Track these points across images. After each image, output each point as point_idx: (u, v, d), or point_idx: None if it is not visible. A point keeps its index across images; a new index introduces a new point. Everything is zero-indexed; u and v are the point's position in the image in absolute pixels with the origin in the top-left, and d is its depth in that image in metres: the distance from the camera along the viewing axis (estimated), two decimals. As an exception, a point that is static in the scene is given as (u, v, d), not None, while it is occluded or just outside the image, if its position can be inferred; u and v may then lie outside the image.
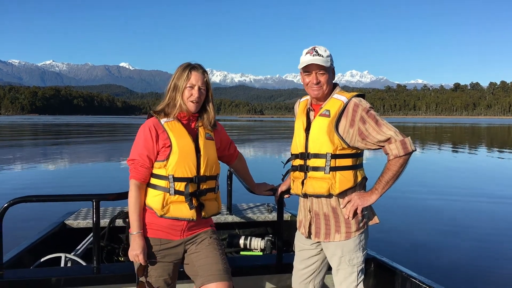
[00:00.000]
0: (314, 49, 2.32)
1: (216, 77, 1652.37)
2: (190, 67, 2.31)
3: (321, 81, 2.32)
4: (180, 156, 2.25)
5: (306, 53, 2.34)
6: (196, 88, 2.29)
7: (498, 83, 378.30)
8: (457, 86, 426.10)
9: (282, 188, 2.74)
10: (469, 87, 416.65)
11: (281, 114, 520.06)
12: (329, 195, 2.30)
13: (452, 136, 41.25)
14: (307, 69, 2.33)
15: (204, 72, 2.33)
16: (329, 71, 2.33)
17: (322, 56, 2.30)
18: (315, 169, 2.31)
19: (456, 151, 24.05)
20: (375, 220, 2.44)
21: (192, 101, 2.30)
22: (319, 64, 2.29)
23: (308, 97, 2.52)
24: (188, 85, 2.28)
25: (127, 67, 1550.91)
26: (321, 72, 2.31)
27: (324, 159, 2.28)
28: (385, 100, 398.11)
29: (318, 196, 2.34)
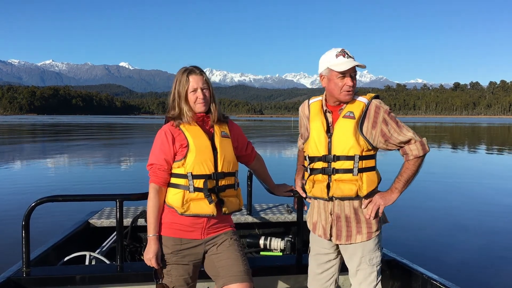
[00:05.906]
0: (344, 51, 2.27)
1: (215, 76, 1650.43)
2: (188, 71, 2.36)
3: (354, 84, 2.29)
4: (197, 154, 2.30)
5: (338, 56, 2.27)
6: (199, 90, 2.34)
7: (498, 82, 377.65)
8: (457, 85, 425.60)
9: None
10: (469, 87, 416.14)
11: (281, 113, 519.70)
12: (357, 197, 2.30)
13: (455, 136, 40.48)
14: (344, 72, 2.25)
15: (201, 72, 2.37)
16: None
17: (354, 59, 2.27)
18: (343, 171, 2.29)
19: (462, 150, 23.38)
20: (385, 220, 2.47)
21: (200, 103, 2.35)
22: (354, 67, 2.25)
23: (319, 98, 2.47)
24: (190, 89, 2.33)
25: (126, 66, 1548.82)
26: (354, 75, 2.29)
27: (352, 161, 2.26)
28: (385, 99, 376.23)
29: (345, 199, 2.32)
